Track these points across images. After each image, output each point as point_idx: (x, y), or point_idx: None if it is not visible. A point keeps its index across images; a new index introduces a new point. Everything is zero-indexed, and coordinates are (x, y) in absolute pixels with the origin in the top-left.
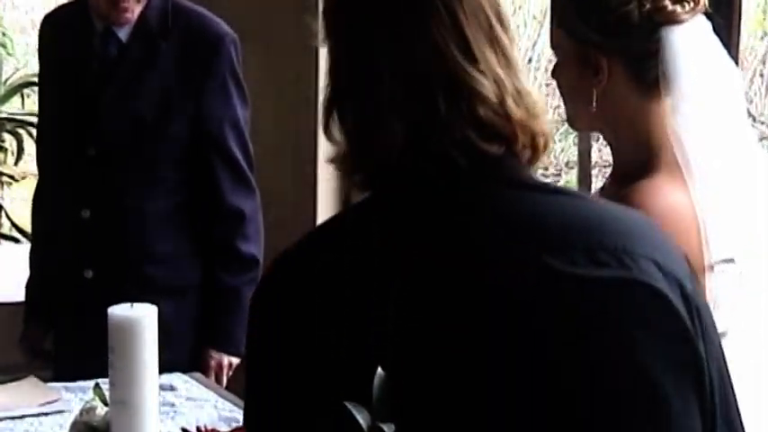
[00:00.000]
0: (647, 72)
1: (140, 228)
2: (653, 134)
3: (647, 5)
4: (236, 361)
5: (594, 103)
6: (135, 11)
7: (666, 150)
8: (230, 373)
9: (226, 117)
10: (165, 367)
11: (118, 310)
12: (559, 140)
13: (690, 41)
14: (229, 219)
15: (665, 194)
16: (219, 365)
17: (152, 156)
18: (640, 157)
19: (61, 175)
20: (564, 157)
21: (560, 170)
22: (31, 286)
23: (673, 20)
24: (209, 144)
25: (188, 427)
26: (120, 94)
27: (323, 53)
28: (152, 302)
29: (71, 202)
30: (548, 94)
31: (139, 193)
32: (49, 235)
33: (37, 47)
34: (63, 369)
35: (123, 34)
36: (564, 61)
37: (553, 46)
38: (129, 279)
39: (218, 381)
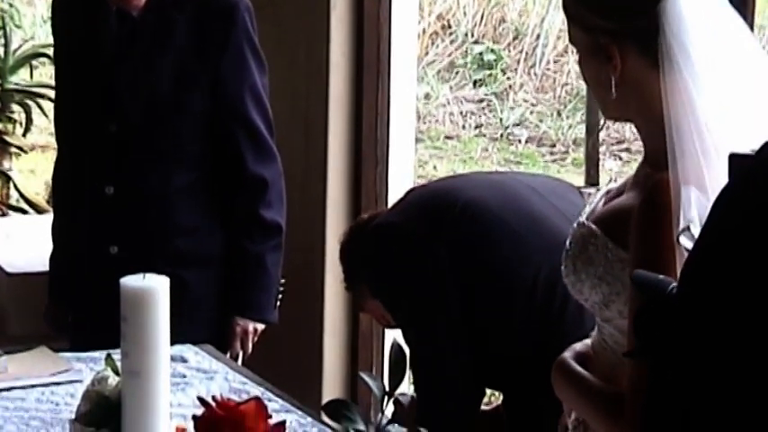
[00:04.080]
0: (657, 50)
1: (164, 202)
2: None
3: None
4: (260, 327)
5: (614, 90)
6: None
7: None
8: (255, 339)
9: (245, 86)
10: (191, 337)
11: (130, 281)
12: (567, 117)
13: (691, 10)
14: (252, 187)
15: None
16: (245, 332)
17: (173, 130)
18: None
19: (83, 152)
20: (572, 134)
21: (568, 147)
22: (54, 260)
23: None
24: (230, 115)
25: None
26: (137, 70)
27: (334, 19)
28: (178, 275)
29: (94, 179)
30: (556, 71)
31: (162, 168)
32: (73, 212)
33: (50, 23)
34: (79, 342)
35: (136, 11)
36: (581, 54)
37: (571, 41)
38: (155, 253)
39: (244, 348)
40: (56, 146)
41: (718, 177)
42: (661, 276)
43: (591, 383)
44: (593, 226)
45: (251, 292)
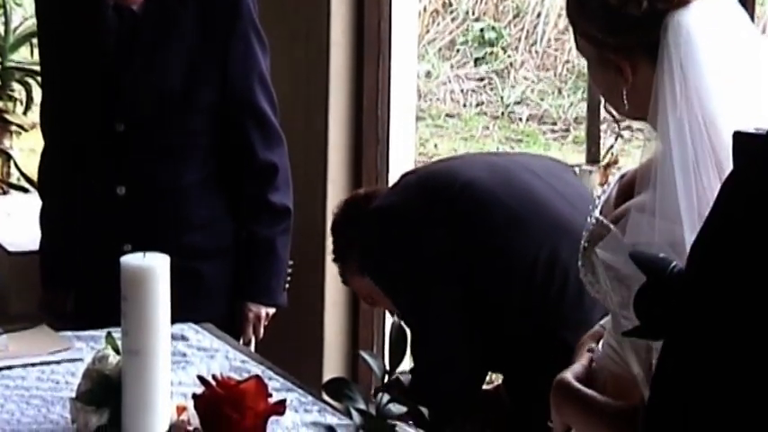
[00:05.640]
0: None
1: (177, 198)
2: None
3: None
4: (271, 311)
5: (626, 101)
6: None
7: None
8: (266, 324)
9: (254, 75)
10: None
11: (131, 260)
12: (568, 95)
13: (699, 22)
14: (262, 174)
15: None
16: (258, 318)
17: (183, 125)
18: None
19: (91, 152)
20: (573, 112)
21: (569, 125)
22: (46, 251)
23: (676, 4)
24: (240, 106)
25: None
26: (144, 67)
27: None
28: (193, 267)
29: (103, 180)
30: (557, 49)
31: (173, 164)
32: (86, 213)
33: (35, 12)
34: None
35: (136, 6)
36: (591, 64)
37: (579, 50)
38: (169, 249)
39: (256, 332)
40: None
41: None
42: (662, 255)
43: (599, 403)
44: (612, 226)
45: (263, 278)
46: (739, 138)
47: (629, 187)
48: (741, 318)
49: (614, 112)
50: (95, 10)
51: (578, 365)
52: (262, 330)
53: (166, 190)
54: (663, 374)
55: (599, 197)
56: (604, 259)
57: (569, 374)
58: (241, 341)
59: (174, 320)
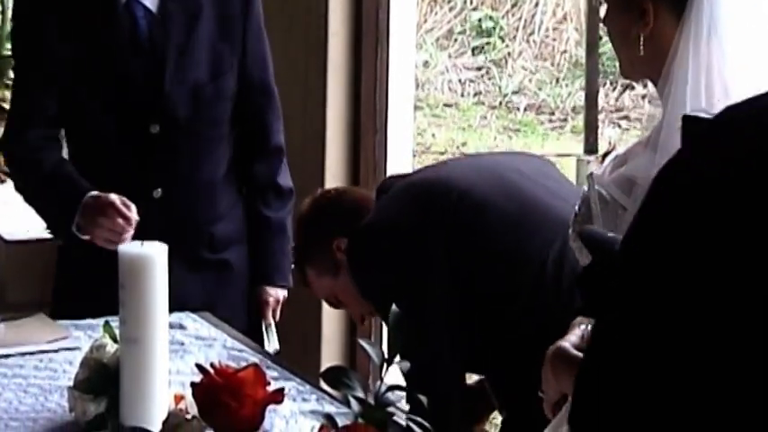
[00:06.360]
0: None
1: (208, 193)
2: None
3: None
4: (285, 293)
5: (642, 48)
6: None
7: None
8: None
9: (265, 55)
10: (236, 313)
11: (129, 248)
12: (566, 85)
13: None
14: (273, 156)
15: None
16: (277, 301)
17: (214, 119)
18: None
19: (123, 158)
20: (570, 102)
21: (567, 115)
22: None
23: None
24: (257, 90)
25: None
26: (178, 66)
27: None
28: (220, 258)
29: (140, 183)
30: (555, 39)
31: (208, 160)
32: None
33: (15, 30)
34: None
35: (150, 2)
36: (610, 8)
37: None
38: (202, 243)
39: (275, 316)
40: None
41: None
42: (610, 234)
43: None
44: (603, 191)
45: (278, 261)
46: (686, 121)
47: (622, 165)
48: (659, 307)
49: (622, 67)
50: (104, 10)
51: (573, 336)
52: (278, 314)
53: (200, 186)
54: (586, 359)
55: (592, 173)
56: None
57: (566, 343)
58: (264, 327)
59: (210, 313)
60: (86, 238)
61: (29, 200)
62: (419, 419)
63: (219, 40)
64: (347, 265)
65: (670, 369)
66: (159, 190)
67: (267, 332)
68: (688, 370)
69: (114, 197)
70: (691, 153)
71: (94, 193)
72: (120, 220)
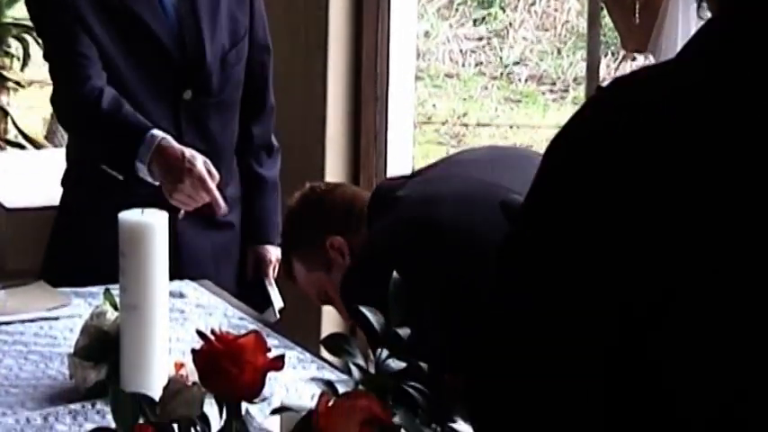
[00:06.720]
0: None
1: (228, 158)
2: None
3: None
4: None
5: (638, 15)
6: None
7: None
8: None
9: (263, 12)
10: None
11: (129, 216)
12: (567, 56)
13: None
14: (269, 114)
15: None
16: (277, 259)
17: (234, 84)
18: None
19: (155, 123)
20: (572, 73)
21: (568, 86)
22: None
23: None
24: (261, 47)
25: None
26: (210, 32)
27: None
28: (228, 221)
29: None
30: (556, 9)
31: (227, 125)
32: (145, 185)
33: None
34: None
35: None
36: None
37: None
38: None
39: (274, 274)
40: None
41: None
42: None
43: None
44: None
45: (275, 220)
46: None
47: None
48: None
49: (622, 40)
50: None
51: None
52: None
53: (222, 149)
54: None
55: None
56: None
57: None
58: (269, 285)
59: (221, 275)
60: (153, 182)
61: (92, 140)
62: (419, 386)
63: (236, 5)
64: (341, 298)
65: (568, 300)
66: None
67: (271, 290)
68: (584, 302)
69: (201, 167)
70: (583, 112)
71: (163, 134)
72: (204, 193)
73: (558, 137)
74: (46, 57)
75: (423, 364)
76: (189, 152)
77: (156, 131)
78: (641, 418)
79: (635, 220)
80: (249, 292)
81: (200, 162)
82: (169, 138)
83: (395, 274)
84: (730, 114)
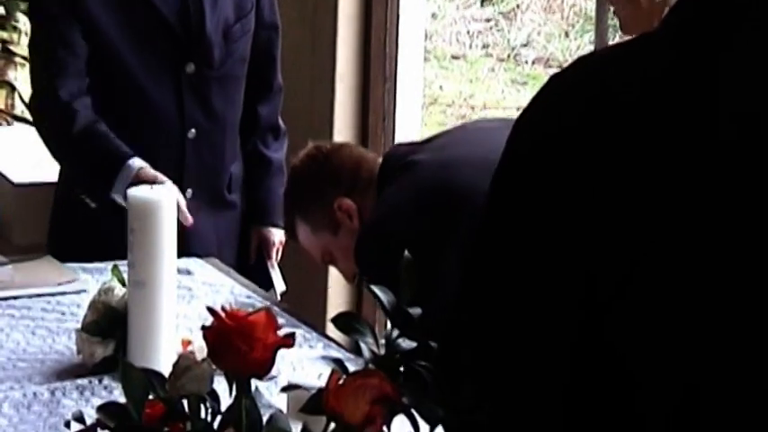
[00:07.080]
0: None
1: (233, 136)
2: None
3: None
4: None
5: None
6: None
7: None
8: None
9: None
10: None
11: (137, 192)
12: (575, 39)
13: None
14: (276, 96)
15: None
16: (281, 242)
17: (238, 59)
18: None
19: (158, 98)
20: (579, 56)
21: None
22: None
23: None
24: (268, 23)
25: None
26: (212, 6)
27: None
28: (232, 200)
29: (175, 124)
30: None
31: (231, 100)
32: (151, 160)
33: None
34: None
35: None
36: None
37: None
38: (223, 185)
39: (277, 257)
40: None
41: None
42: None
43: None
44: None
45: (278, 201)
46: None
47: None
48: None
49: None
50: None
51: None
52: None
53: (227, 126)
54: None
55: None
56: None
57: None
58: (271, 267)
59: (223, 255)
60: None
61: (61, 157)
62: (429, 366)
63: None
64: (356, 263)
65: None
66: (193, 130)
67: (273, 273)
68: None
69: (171, 183)
70: (547, 95)
71: (142, 163)
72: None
73: (521, 120)
74: (30, 44)
75: (432, 343)
76: (163, 176)
77: (132, 162)
78: (601, 391)
79: (601, 197)
80: (250, 274)
81: (171, 182)
82: (147, 167)
83: (406, 253)
84: (693, 90)
